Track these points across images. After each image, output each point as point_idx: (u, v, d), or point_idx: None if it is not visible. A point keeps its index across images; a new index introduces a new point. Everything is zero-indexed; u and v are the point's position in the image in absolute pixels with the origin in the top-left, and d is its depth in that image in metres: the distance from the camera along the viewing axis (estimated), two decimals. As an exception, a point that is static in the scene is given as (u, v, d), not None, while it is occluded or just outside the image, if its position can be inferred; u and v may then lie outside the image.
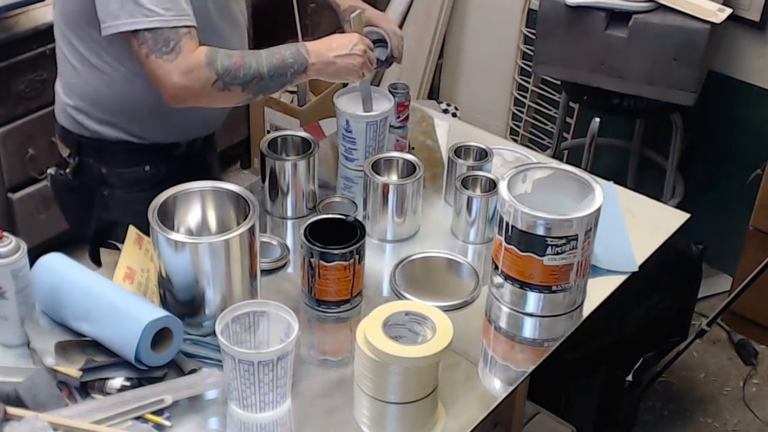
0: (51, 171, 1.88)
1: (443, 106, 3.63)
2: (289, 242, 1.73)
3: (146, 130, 1.78)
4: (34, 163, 2.72)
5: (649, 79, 2.61)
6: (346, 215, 1.58)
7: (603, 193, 1.54)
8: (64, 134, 1.83)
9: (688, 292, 2.53)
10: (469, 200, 1.71)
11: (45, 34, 2.51)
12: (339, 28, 1.90)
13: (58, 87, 1.83)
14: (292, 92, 3.35)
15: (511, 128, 3.51)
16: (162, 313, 1.38)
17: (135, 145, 1.79)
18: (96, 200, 1.82)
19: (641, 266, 1.70)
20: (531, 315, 1.57)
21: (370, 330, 1.31)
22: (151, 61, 1.58)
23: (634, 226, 1.80)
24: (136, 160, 1.79)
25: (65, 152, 1.84)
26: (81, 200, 1.84)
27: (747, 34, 2.81)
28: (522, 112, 3.44)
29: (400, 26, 3.49)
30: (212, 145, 2.00)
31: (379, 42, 1.89)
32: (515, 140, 3.42)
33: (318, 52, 1.70)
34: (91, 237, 1.84)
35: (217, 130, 1.95)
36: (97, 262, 1.70)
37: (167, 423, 1.32)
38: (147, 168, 1.79)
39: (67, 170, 1.83)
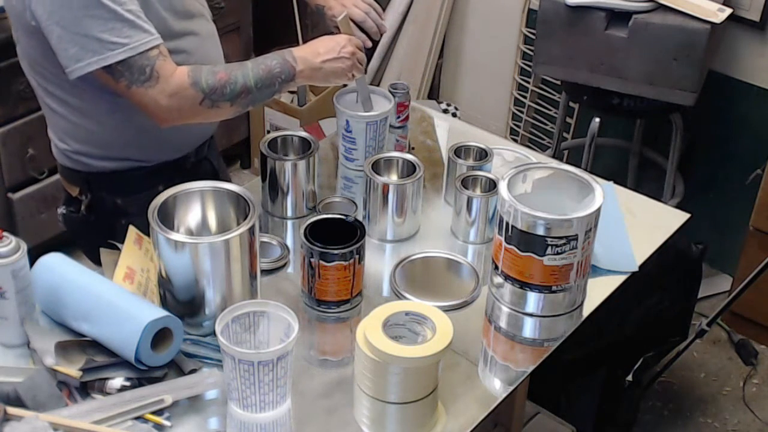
0: (62, 210, 1.84)
1: (443, 106, 3.63)
2: (289, 242, 1.73)
3: (151, 153, 1.76)
4: (34, 163, 2.72)
5: (649, 79, 2.61)
6: (346, 215, 1.58)
7: (603, 193, 1.54)
8: (69, 174, 1.79)
9: (688, 292, 2.53)
10: (469, 200, 1.71)
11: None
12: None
13: (51, 133, 1.78)
14: (292, 92, 3.35)
15: (511, 128, 3.51)
16: (162, 313, 1.38)
17: (146, 169, 1.76)
18: (116, 231, 1.75)
19: (641, 266, 1.70)
20: (531, 315, 1.57)
21: (370, 330, 1.31)
22: (134, 92, 1.57)
23: (634, 226, 1.80)
24: (149, 183, 1.74)
25: (74, 191, 1.80)
26: (99, 234, 1.77)
27: (747, 34, 2.81)
28: (522, 112, 3.44)
29: (400, 26, 3.49)
30: (214, 147, 1.99)
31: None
32: (515, 140, 3.42)
33: (305, 58, 1.68)
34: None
35: (215, 131, 1.95)
36: None
37: (167, 423, 1.32)
38: (161, 188, 1.74)
39: (81, 208, 1.79)
